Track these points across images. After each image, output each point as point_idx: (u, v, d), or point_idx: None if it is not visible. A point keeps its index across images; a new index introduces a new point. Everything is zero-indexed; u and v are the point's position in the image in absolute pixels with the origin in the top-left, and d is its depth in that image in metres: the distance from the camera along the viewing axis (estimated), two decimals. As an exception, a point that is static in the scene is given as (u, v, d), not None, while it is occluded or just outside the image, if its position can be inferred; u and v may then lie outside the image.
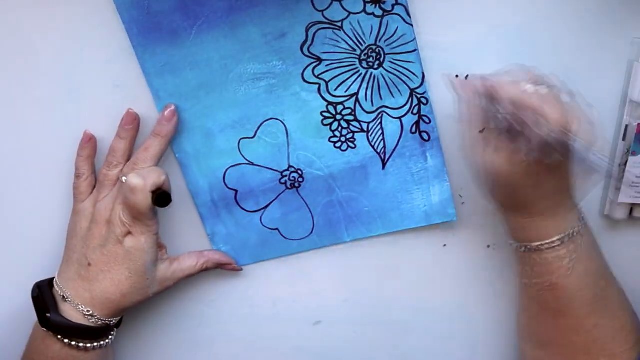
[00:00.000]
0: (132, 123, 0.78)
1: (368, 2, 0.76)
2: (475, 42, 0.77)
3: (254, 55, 0.78)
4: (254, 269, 0.87)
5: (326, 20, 0.77)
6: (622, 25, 0.76)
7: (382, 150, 0.81)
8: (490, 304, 0.89)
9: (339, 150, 0.82)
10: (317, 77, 0.79)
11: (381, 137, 0.81)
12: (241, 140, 0.81)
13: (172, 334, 0.90)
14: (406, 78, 0.79)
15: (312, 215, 0.84)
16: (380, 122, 0.80)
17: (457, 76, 0.74)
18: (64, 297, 0.77)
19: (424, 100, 0.79)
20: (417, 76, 0.78)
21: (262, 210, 0.84)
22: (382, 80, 0.79)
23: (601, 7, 0.76)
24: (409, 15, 0.76)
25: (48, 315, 0.75)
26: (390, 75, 0.78)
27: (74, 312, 0.77)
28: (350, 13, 0.76)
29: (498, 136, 0.70)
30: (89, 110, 0.79)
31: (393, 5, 0.76)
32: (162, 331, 0.90)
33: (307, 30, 0.77)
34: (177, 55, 0.77)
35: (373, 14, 0.76)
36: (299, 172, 0.82)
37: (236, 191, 0.83)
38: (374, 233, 0.85)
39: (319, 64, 0.78)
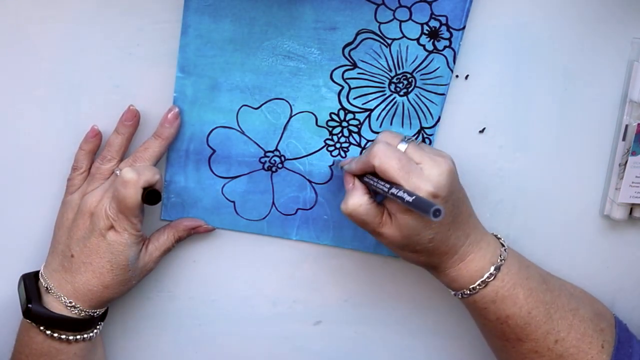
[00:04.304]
0: (132, 119, 0.78)
1: (425, 34, 0.76)
2: (475, 42, 0.78)
3: (297, 35, 0.76)
4: (254, 269, 0.86)
5: (379, 34, 0.76)
6: (622, 25, 0.77)
7: (368, 170, 0.81)
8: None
9: (328, 153, 0.81)
10: (344, 80, 0.78)
11: (373, 158, 0.81)
12: (243, 107, 0.78)
13: (173, 333, 0.89)
14: (422, 115, 0.79)
15: (273, 203, 0.82)
16: (379, 145, 0.80)
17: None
18: (47, 288, 0.76)
19: (427, 141, 0.80)
20: (432, 117, 0.79)
21: (229, 180, 0.81)
22: (400, 108, 0.79)
23: (601, 7, 0.77)
24: (454, 62, 0.77)
25: (30, 306, 0.75)
26: (410, 107, 0.79)
27: (56, 303, 0.76)
28: (404, 37, 0.76)
29: (382, 208, 0.74)
30: (89, 110, 0.79)
31: (445, 47, 0.76)
32: (162, 331, 0.89)
33: (357, 34, 0.76)
34: (225, 2, 0.74)
35: (424, 46, 0.76)
36: (282, 158, 0.81)
37: (214, 151, 0.80)
38: (321, 242, 0.85)
39: (352, 69, 0.77)
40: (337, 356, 0.91)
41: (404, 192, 0.67)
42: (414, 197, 0.66)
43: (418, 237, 0.72)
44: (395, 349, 0.91)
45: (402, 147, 0.73)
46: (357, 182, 0.75)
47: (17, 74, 0.77)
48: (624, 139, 0.81)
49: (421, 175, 0.70)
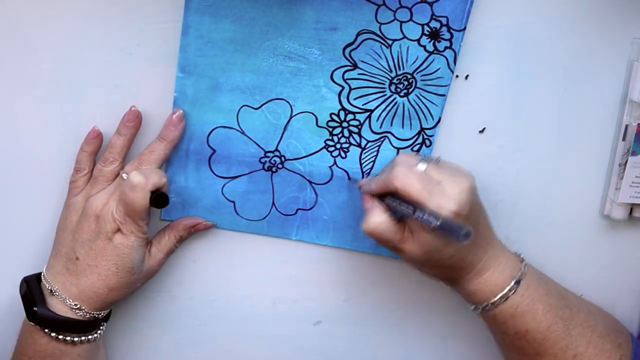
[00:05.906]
0: (134, 120, 0.77)
1: (425, 35, 0.75)
2: (475, 43, 0.78)
3: (297, 35, 0.76)
4: (254, 269, 0.86)
5: (380, 34, 0.76)
6: (622, 25, 0.77)
7: (368, 170, 0.82)
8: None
9: (329, 154, 0.81)
10: (345, 80, 0.78)
11: (373, 159, 0.81)
12: (243, 107, 0.78)
13: (173, 333, 0.89)
14: (423, 116, 0.79)
15: (273, 203, 0.83)
16: (379, 146, 0.80)
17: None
18: (51, 290, 0.76)
19: (427, 142, 0.80)
20: (433, 118, 0.79)
21: (229, 180, 0.81)
22: (400, 109, 0.79)
23: (601, 8, 0.76)
24: (455, 62, 0.77)
25: (35, 308, 0.75)
26: (410, 108, 0.79)
27: (61, 305, 0.76)
28: (405, 37, 0.76)
29: (402, 225, 0.74)
30: (89, 110, 0.79)
31: (446, 48, 0.76)
32: (162, 331, 0.89)
33: (357, 35, 0.76)
34: (226, 2, 0.74)
35: (424, 47, 0.76)
36: (282, 158, 0.81)
37: (214, 151, 0.80)
38: (321, 242, 0.85)
39: (352, 70, 0.77)
40: (337, 356, 0.91)
41: (429, 215, 0.67)
42: (441, 220, 0.66)
43: (439, 254, 0.72)
44: (395, 349, 0.91)
45: (421, 166, 0.73)
46: (376, 200, 0.75)
47: (17, 74, 0.77)
48: (624, 139, 0.80)
49: (443, 195, 0.70)
